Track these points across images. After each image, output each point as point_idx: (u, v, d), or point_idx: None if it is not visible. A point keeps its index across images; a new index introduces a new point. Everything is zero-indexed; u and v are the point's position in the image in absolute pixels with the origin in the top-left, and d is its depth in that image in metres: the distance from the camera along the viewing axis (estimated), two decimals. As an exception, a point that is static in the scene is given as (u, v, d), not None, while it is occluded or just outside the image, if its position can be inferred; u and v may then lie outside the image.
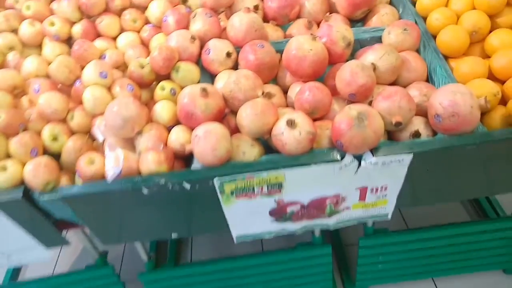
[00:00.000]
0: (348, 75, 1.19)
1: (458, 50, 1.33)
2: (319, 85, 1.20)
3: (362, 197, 1.26)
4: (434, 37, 1.41)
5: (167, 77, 1.37)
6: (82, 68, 1.35)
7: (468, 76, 1.26)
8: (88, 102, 1.25)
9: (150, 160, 1.14)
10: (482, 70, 1.25)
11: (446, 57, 1.36)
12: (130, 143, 1.21)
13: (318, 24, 1.56)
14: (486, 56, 1.36)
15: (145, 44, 1.51)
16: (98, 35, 1.53)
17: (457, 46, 1.32)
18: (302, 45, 1.24)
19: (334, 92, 1.25)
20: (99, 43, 1.49)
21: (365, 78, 1.18)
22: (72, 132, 1.28)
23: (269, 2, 1.50)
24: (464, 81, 1.26)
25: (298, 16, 1.57)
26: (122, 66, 1.47)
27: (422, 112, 1.21)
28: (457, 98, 1.08)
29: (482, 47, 1.36)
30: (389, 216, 1.35)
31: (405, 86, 1.31)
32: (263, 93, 1.23)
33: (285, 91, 1.37)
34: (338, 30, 1.30)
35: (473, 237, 1.59)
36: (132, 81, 1.32)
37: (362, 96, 1.21)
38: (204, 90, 1.17)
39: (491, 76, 1.27)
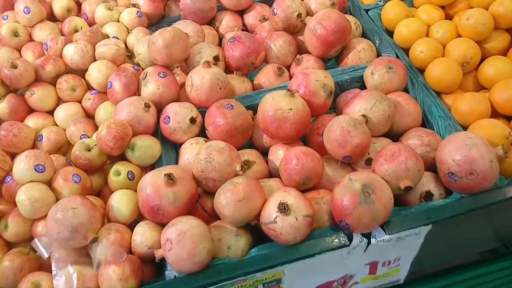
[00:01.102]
0: (340, 135, 1.00)
1: (451, 85, 1.18)
2: (307, 151, 1.01)
3: (373, 271, 1.08)
4: (421, 70, 1.26)
5: (122, 155, 1.13)
6: (13, 157, 1.09)
7: (470, 116, 1.10)
8: (24, 207, 0.99)
9: (113, 277, 0.90)
10: (484, 108, 1.10)
11: (438, 93, 1.21)
12: (84, 253, 0.96)
13: (288, 67, 1.37)
14: (480, 87, 1.22)
15: (90, 116, 1.27)
16: (30, 111, 1.27)
17: (450, 81, 1.17)
18: (279, 104, 1.04)
19: (322, 150, 1.06)
20: (33, 121, 1.23)
21: (359, 137, 0.99)
22: (7, 246, 1.01)
23: (230, 51, 1.30)
24: (465, 121, 1.11)
25: (266, 61, 1.38)
26: (64, 146, 1.22)
27: (426, 164, 1.04)
28: (473, 152, 0.91)
29: (474, 78, 1.22)
30: (402, 281, 1.17)
31: (400, 134, 1.14)
32: (241, 166, 1.02)
33: (263, 152, 1.17)
34: (317, 79, 1.11)
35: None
36: (78, 169, 1.08)
37: (358, 156, 1.03)
38: (169, 177, 0.94)
39: (492, 111, 1.12)
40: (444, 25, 1.26)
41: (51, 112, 1.27)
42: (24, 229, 1.02)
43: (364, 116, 1.07)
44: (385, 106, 1.08)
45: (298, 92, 1.10)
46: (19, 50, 1.37)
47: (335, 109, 1.27)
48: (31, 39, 1.41)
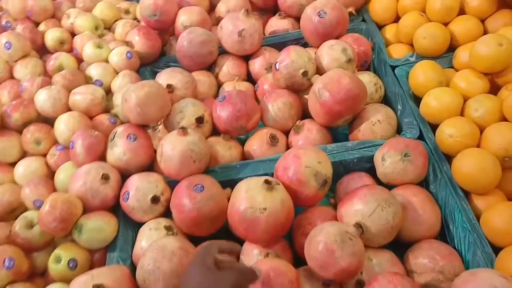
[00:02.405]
0: (321, 254, 0.77)
1: (485, 187, 0.91)
2: (277, 268, 0.79)
3: None
4: (448, 156, 1.00)
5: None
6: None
7: (504, 236, 0.83)
8: None
9: None
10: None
11: (467, 193, 0.94)
12: None
13: (287, 133, 1.15)
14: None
15: (52, 175, 1.11)
16: (-10, 163, 1.14)
17: (483, 182, 0.90)
18: (253, 200, 0.83)
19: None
20: (-10, 175, 1.10)
21: (346, 260, 0.76)
22: None
23: (218, 111, 1.10)
24: (498, 240, 0.84)
25: (262, 121, 1.16)
26: (20, 208, 1.07)
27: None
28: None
29: (517, 177, 0.94)
30: None
31: (409, 242, 0.89)
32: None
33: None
34: (308, 165, 0.89)
35: None
36: (17, 249, 0.92)
37: (345, 279, 0.80)
38: (99, 289, 0.76)
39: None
40: (485, 101, 0.99)
41: (13, 165, 1.14)
42: None
43: (359, 225, 0.83)
44: (389, 214, 0.83)
45: (282, 179, 0.89)
46: (-4, 88, 1.26)
47: (335, 194, 1.04)
48: (11, 76, 1.29)
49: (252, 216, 0.82)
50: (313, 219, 0.91)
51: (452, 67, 1.17)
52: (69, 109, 1.16)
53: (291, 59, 1.12)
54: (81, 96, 1.16)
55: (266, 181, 0.84)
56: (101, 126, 1.14)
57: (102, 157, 1.06)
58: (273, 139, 1.08)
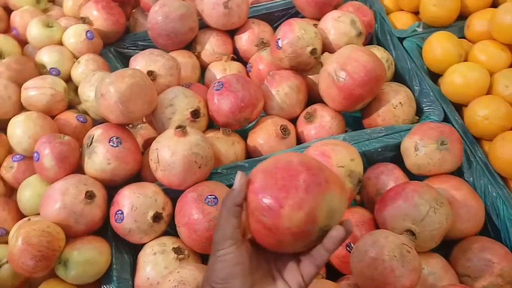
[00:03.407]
0: (379, 273, 0.65)
1: (528, 173, 0.83)
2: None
3: None
4: (480, 139, 0.91)
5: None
6: None
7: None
8: None
9: None
10: None
11: (505, 180, 0.86)
12: None
13: (294, 120, 1.01)
14: None
15: (10, 193, 0.88)
16: None
17: (527, 168, 0.82)
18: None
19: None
20: None
21: (408, 277, 0.65)
22: None
23: (216, 101, 0.92)
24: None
25: (265, 110, 1.00)
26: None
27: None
28: None
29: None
30: None
31: (450, 241, 0.80)
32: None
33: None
34: (341, 164, 0.76)
35: None
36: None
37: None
38: None
39: None
40: (516, 76, 0.90)
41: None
42: None
43: (412, 233, 0.72)
44: (442, 216, 0.73)
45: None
46: None
47: (361, 191, 0.92)
48: None
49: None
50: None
51: (463, 37, 1.08)
52: (22, 109, 0.92)
53: (295, 34, 0.95)
54: (38, 91, 0.92)
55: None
56: (69, 128, 0.92)
57: (77, 168, 0.85)
58: (284, 131, 0.92)
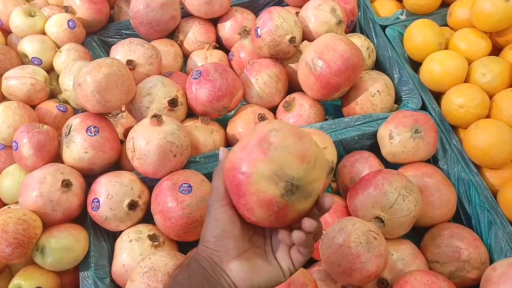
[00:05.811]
0: (344, 259, 0.67)
1: (501, 161, 0.84)
2: (301, 282, 0.68)
3: None
4: (455, 127, 0.92)
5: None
6: None
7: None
8: None
9: None
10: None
11: (478, 167, 0.87)
12: None
13: (273, 109, 1.01)
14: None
15: (-7, 182, 0.90)
16: None
17: (501, 156, 0.82)
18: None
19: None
20: None
21: (374, 263, 0.67)
22: None
23: (194, 90, 0.93)
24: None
25: (244, 98, 1.01)
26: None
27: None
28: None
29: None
30: None
31: (421, 227, 0.82)
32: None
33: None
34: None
35: None
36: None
37: (369, 283, 0.71)
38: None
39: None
40: (493, 65, 0.90)
41: None
42: None
43: (380, 220, 0.74)
44: (411, 203, 0.74)
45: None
46: None
47: (336, 179, 0.93)
48: None
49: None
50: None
51: (445, 25, 1.07)
52: (3, 98, 0.93)
53: (274, 23, 0.95)
54: (18, 80, 0.93)
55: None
56: (49, 117, 0.94)
57: (56, 157, 0.87)
58: (262, 120, 0.93)
